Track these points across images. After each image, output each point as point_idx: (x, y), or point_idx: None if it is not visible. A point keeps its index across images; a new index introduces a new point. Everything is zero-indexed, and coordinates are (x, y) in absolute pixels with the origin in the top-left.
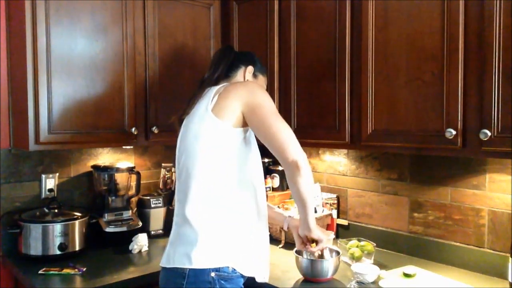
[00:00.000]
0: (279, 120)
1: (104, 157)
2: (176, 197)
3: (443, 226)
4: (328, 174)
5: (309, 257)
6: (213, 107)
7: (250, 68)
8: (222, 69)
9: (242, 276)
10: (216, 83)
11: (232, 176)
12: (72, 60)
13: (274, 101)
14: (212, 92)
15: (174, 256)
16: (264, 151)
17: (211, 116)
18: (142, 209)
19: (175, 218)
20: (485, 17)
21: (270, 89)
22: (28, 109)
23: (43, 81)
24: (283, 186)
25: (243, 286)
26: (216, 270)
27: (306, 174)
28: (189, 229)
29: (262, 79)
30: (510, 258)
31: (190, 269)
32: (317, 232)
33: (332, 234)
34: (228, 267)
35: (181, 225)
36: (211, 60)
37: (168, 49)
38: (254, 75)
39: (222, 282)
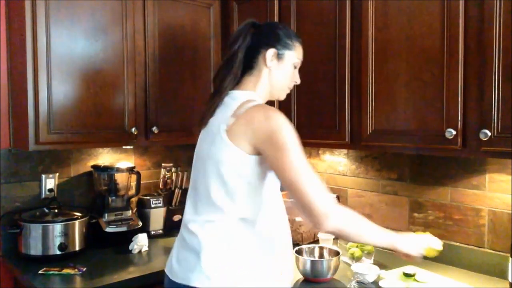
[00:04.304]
0: (305, 167)
1: (104, 157)
2: (188, 209)
3: (443, 226)
4: (328, 174)
5: (309, 257)
6: (227, 128)
7: (270, 52)
8: (240, 58)
9: None
10: (238, 80)
11: (249, 200)
12: (72, 60)
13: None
14: (229, 109)
15: (178, 272)
16: None
17: (225, 139)
18: (142, 209)
19: (185, 224)
20: (485, 18)
21: None
22: (28, 109)
23: (43, 81)
24: None
25: None
26: None
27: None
28: (195, 240)
29: (291, 56)
30: (510, 258)
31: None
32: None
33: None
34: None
35: (186, 236)
36: (229, 40)
37: (168, 49)
38: (279, 57)
39: None
